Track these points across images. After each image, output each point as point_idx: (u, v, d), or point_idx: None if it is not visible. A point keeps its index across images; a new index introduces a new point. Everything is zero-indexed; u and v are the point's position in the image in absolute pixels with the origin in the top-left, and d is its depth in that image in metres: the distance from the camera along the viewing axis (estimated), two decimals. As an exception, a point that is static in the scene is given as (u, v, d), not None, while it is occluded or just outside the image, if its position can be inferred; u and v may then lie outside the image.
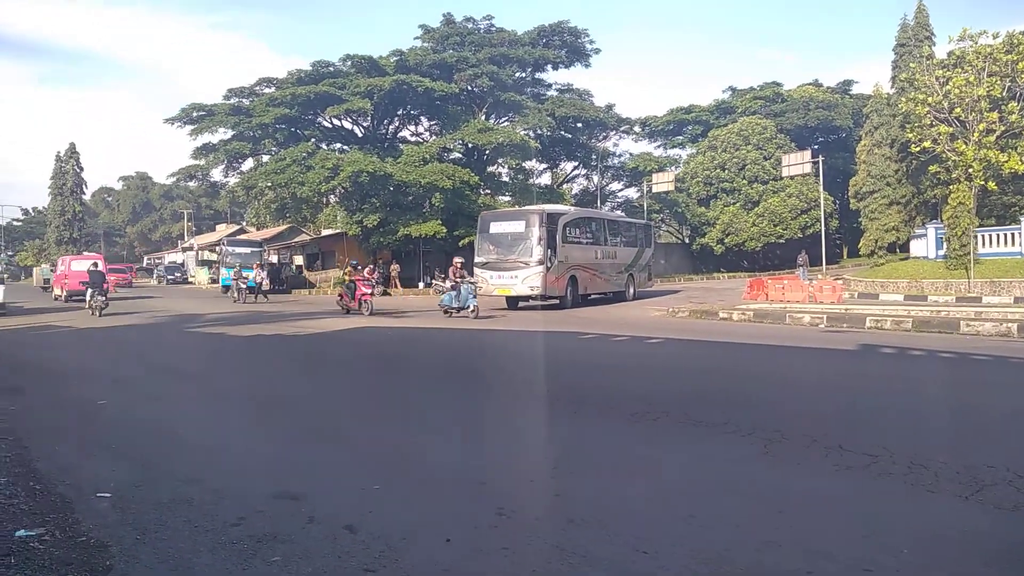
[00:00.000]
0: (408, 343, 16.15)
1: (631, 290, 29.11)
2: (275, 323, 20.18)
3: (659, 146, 64.55)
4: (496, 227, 25.02)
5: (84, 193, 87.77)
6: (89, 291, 23.12)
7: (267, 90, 46.30)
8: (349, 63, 45.09)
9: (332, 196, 48.73)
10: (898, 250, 44.77)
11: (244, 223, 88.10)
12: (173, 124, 46.06)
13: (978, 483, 4.95)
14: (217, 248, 51.83)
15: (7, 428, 7.25)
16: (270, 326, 19.24)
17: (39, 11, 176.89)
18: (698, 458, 5.99)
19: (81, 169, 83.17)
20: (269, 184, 44.40)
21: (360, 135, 48.10)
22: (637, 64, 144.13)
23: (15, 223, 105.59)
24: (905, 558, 3.82)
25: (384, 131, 49.01)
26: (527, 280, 23.78)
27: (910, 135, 33.09)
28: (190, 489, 5.15)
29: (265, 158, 46.61)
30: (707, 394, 9.02)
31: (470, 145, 44.79)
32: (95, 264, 25.26)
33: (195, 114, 45.68)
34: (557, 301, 24.66)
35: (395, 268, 40.69)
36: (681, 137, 64.44)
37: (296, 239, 60.04)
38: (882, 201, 44.96)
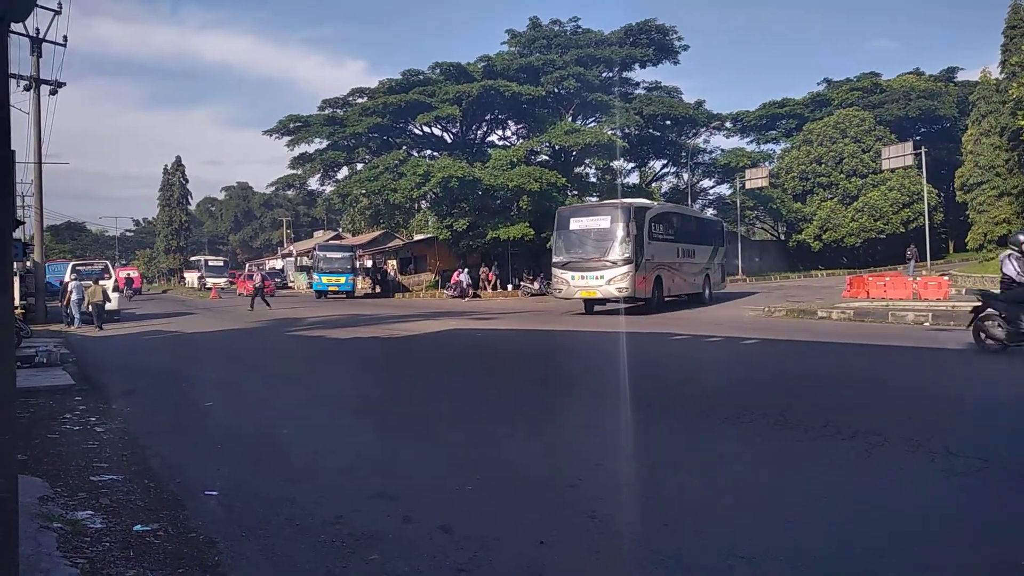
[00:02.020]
0: (499, 345, 16.29)
1: (707, 291, 27.60)
2: (372, 326, 20.69)
3: (751, 141, 63.06)
4: (577, 223, 23.09)
5: (190, 204, 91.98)
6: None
7: (360, 100, 47.55)
8: (438, 71, 45.82)
9: (423, 201, 49.60)
10: (1009, 244, 42.43)
11: (340, 229, 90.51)
12: (271, 136, 47.82)
13: None
14: (310, 254, 53.44)
15: (123, 428, 7.69)
16: (367, 329, 19.74)
17: (148, 33, 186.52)
18: (796, 462, 5.84)
19: (186, 181, 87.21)
20: (363, 191, 45.55)
21: (449, 141, 48.81)
22: (727, 59, 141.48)
23: (128, 233, 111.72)
24: (1018, 568, 3.65)
25: (472, 136, 49.56)
26: (615, 281, 22.01)
27: (1022, 122, 31.30)
28: (291, 488, 5.35)
29: (359, 166, 47.81)
30: (805, 396, 8.78)
31: (557, 147, 44.79)
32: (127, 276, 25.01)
33: (292, 125, 47.29)
34: (643, 303, 23.01)
35: (484, 271, 41.11)
36: (775, 132, 62.76)
37: (390, 244, 61.35)
38: (991, 193, 42.70)
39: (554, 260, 23.44)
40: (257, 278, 33.11)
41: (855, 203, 52.26)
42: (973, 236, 44.74)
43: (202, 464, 6.24)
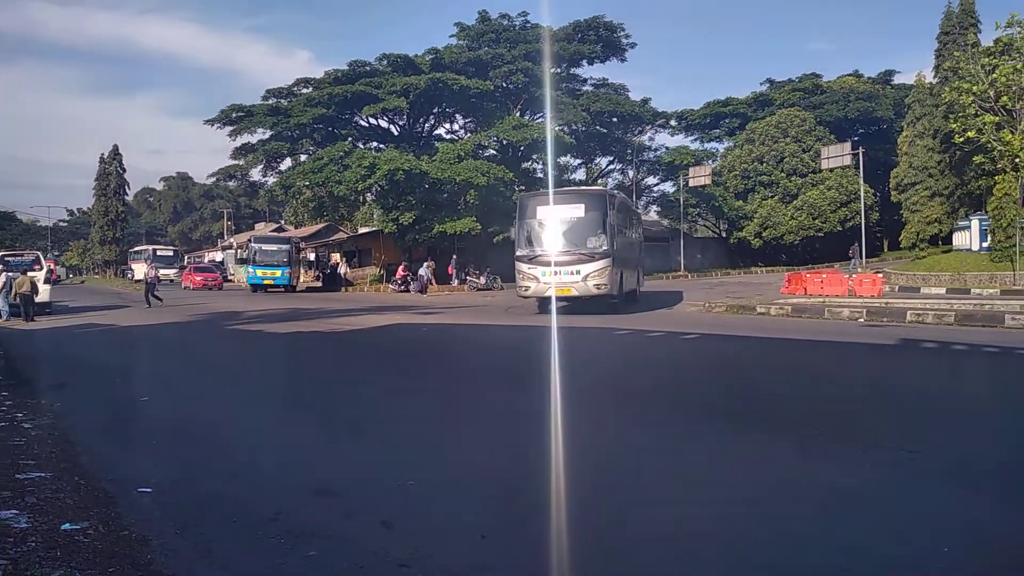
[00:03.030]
0: (444, 341, 16.25)
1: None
2: (314, 320, 20.42)
3: (696, 140, 63.95)
4: (546, 212, 20.39)
5: (127, 194, 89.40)
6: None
7: (305, 90, 46.85)
8: (385, 62, 45.39)
9: (368, 194, 49.09)
10: (940, 243, 43.86)
11: (282, 221, 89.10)
12: (213, 125, 46.80)
13: (1019, 483, 4.85)
14: (245, 245, 51.61)
15: (53, 424, 7.45)
16: (309, 323, 19.48)
17: (85, 18, 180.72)
18: (735, 454, 5.94)
19: (124, 170, 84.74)
20: (307, 183, 44.89)
21: (396, 133, 48.43)
22: (673, 58, 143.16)
23: (61, 224, 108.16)
24: (945, 556, 3.77)
25: (420, 129, 49.27)
26: (592, 277, 19.60)
27: (954, 125, 32.40)
28: (229, 485, 5.26)
29: (303, 157, 47.11)
30: (743, 390, 8.95)
31: (505, 142, 44.80)
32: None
33: (234, 115, 46.36)
34: (614, 300, 20.56)
35: (430, 265, 40.94)
36: (718, 130, 63.76)
37: (333, 237, 60.60)
38: (924, 193, 44.09)
39: (519, 253, 20.42)
40: (150, 271, 30.97)
41: (795, 201, 53.42)
42: (907, 235, 46.12)
43: (136, 461, 6.09)
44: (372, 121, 47.13)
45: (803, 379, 9.95)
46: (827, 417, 7.25)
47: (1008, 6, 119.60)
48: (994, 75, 29.91)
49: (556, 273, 19.67)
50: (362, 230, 57.20)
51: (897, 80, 61.62)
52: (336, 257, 53.12)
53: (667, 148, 55.56)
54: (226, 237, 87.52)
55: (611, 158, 55.99)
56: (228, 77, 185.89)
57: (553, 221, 20.29)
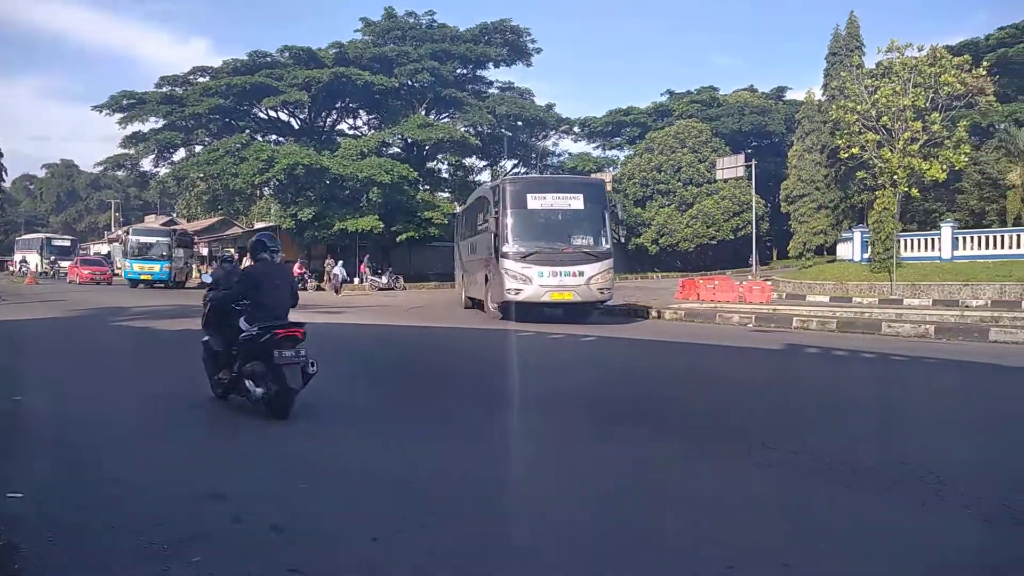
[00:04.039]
0: (343, 340, 15.95)
1: None
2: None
3: (598, 147, 65.12)
4: (538, 201, 18.09)
5: (4, 180, 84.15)
6: None
7: (201, 79, 45.21)
8: (287, 54, 44.38)
9: (266, 188, 47.83)
10: (825, 252, 46.05)
11: (174, 214, 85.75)
12: (102, 112, 44.54)
13: (892, 479, 5.11)
14: (121, 238, 48.24)
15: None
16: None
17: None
18: (629, 454, 6.05)
19: (0, 155, 79.74)
20: (201, 175, 43.42)
21: (297, 127, 47.38)
22: (578, 65, 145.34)
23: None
24: (823, 552, 3.92)
25: (322, 124, 48.37)
26: (596, 280, 17.66)
27: (839, 142, 34.15)
28: (111, 489, 5.00)
29: (198, 148, 45.57)
30: (637, 391, 9.13)
31: (409, 140, 44.52)
32: None
33: (125, 102, 44.24)
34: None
35: (329, 263, 40.19)
36: (619, 139, 65.09)
37: (228, 231, 58.77)
38: (811, 205, 46.18)
39: (505, 249, 17.61)
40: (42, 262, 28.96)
41: (690, 210, 55.03)
42: (794, 244, 48.18)
43: (7, 464, 5.70)
44: (272, 114, 45.96)
45: (694, 382, 10.24)
46: (715, 418, 7.49)
47: (890, 32, 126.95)
48: (876, 96, 31.67)
49: (555, 274, 17.46)
50: (258, 225, 55.77)
51: (789, 96, 64.40)
52: (234, 252, 51.47)
53: (570, 154, 56.37)
54: (114, 229, 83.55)
55: (516, 161, 56.35)
56: (120, 62, 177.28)
57: (548, 212, 18.16)
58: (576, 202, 18.19)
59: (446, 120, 46.99)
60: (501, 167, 58.32)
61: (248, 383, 7.22)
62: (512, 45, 48.47)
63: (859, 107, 32.08)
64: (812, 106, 46.16)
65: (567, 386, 9.61)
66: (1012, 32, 39.24)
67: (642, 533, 4.26)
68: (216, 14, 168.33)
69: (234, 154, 40.01)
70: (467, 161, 50.97)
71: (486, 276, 19.54)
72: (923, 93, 31.24)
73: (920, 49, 32.24)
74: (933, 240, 31.34)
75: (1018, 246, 29.03)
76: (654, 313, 20.57)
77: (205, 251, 56.51)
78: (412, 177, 40.31)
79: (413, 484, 5.22)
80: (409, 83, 45.48)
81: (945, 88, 30.87)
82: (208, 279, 9.38)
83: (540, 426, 7.17)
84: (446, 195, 48.29)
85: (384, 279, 39.03)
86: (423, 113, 45.70)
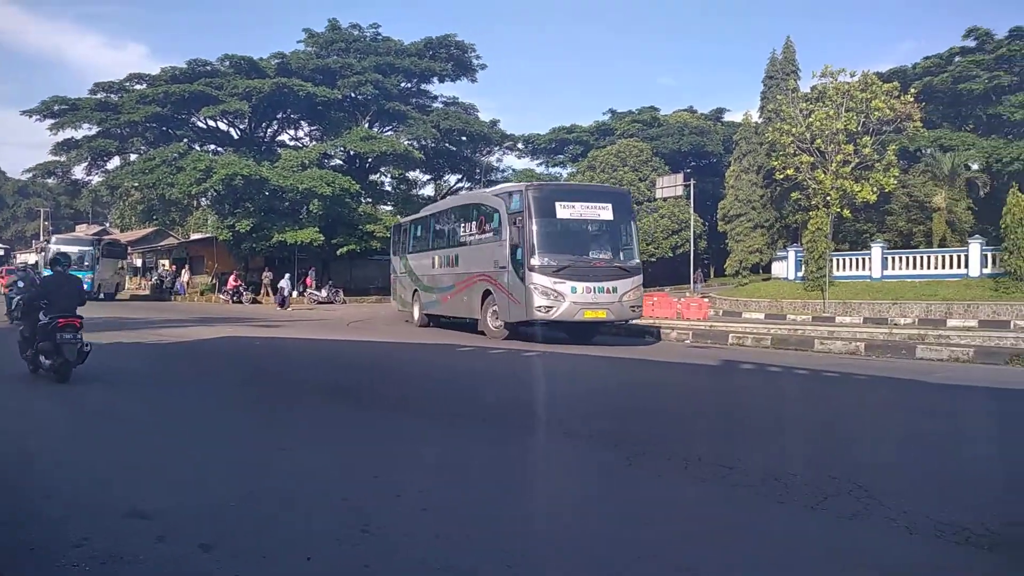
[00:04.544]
0: (277, 355, 15.65)
1: None
2: (137, 330, 19.10)
3: (541, 164, 65.55)
4: (567, 210, 16.64)
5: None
6: None
7: (138, 87, 44.01)
8: (228, 63, 43.59)
9: (203, 199, 46.81)
10: (761, 271, 47.09)
11: (108, 224, 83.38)
12: (32, 117, 43.02)
13: (823, 493, 5.19)
14: (40, 248, 46.57)
15: None
16: (131, 333, 18.19)
17: None
18: (572, 471, 6.04)
19: (-78, 159, 76.54)
20: (136, 184, 42.19)
21: (236, 137, 46.50)
22: (523, 82, 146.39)
23: None
24: (753, 565, 3.95)
25: (262, 134, 47.61)
26: (628, 297, 16.59)
27: (775, 163, 35.07)
28: (32, 508, 4.78)
29: (133, 157, 44.30)
30: (579, 407, 9.14)
31: (352, 152, 44.12)
32: None
33: (57, 108, 42.80)
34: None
35: (267, 276, 39.47)
36: (562, 156, 65.65)
37: (163, 242, 57.33)
38: (747, 224, 47.21)
39: (534, 262, 16.08)
40: None
41: (632, 227, 55.73)
42: (731, 263, 49.17)
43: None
44: (211, 123, 45.03)
45: (632, 398, 10.30)
46: (653, 434, 7.53)
47: (824, 57, 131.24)
48: (810, 119, 32.67)
49: (590, 291, 16.23)
50: (195, 236, 54.63)
51: (727, 118, 65.80)
52: (166, 263, 50.29)
53: (514, 170, 56.65)
54: (42, 238, 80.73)
55: (460, 176, 56.34)
56: (52, 67, 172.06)
57: (578, 223, 16.92)
58: (605, 212, 17.00)
59: (389, 133, 46.72)
60: (445, 181, 58.30)
61: (42, 357, 9.93)
62: (457, 60, 48.53)
63: (794, 130, 33.03)
64: (749, 128, 47.30)
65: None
66: (936, 62, 40.89)
67: (575, 546, 4.23)
68: (154, 20, 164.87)
69: (171, 163, 39.05)
70: (410, 174, 50.77)
71: (485, 292, 17.91)
72: (855, 117, 32.33)
73: (852, 75, 33.41)
74: (864, 260, 32.35)
75: (943, 266, 30.15)
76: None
77: (139, 262, 54.99)
78: (354, 190, 39.93)
79: (351, 500, 5.10)
80: (352, 95, 45.13)
81: (875, 113, 32.02)
82: (20, 284, 13.50)
83: (497, 441, 7.12)
84: (389, 208, 47.94)
85: (324, 292, 38.49)
86: (366, 126, 45.37)
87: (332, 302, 37.93)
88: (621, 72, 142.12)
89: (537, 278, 16.02)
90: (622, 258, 17.06)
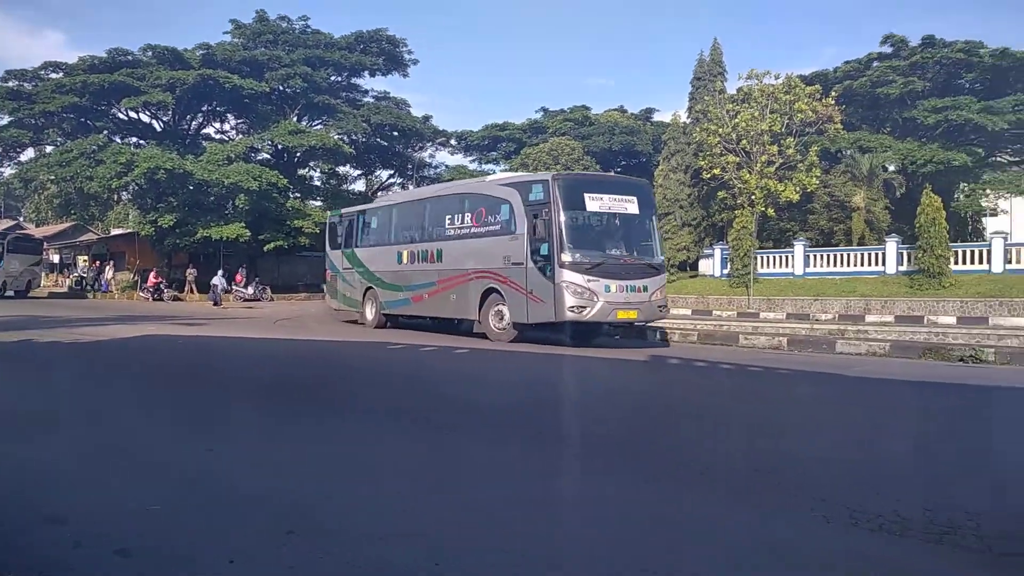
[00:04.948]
0: (202, 353, 15.23)
1: None
2: (53, 329, 18.34)
3: (474, 160, 65.40)
4: (597, 202, 15.78)
5: None
6: None
7: (54, 75, 42.35)
8: (150, 53, 42.33)
9: (124, 193, 45.36)
10: (689, 268, 47.99)
11: (21, 218, 79.93)
12: (-63, 105, 40.97)
13: (748, 486, 5.29)
14: None
15: None
16: (46, 332, 17.45)
17: None
18: (498, 461, 6.01)
19: None
20: (52, 177, 40.71)
21: (159, 130, 45.15)
22: (456, 78, 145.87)
23: None
24: (678, 554, 3.99)
25: (186, 127, 46.33)
26: (657, 295, 16.03)
27: (702, 163, 35.77)
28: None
29: (49, 149, 42.69)
30: (501, 403, 9.14)
31: (280, 146, 43.35)
32: None
33: (-36, 95, 40.93)
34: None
35: (191, 272, 38.42)
36: (495, 153, 65.61)
37: (82, 238, 55.24)
38: (675, 223, 48.00)
39: (565, 258, 15.11)
40: None
41: (563, 225, 56.10)
42: (660, 260, 49.91)
43: None
44: (132, 115, 43.63)
45: (564, 393, 10.35)
46: (583, 427, 7.56)
47: (751, 60, 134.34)
48: (736, 120, 33.41)
49: (622, 289, 15.44)
50: (115, 232, 52.88)
51: (656, 118, 66.75)
52: (85, 259, 48.49)
53: (447, 166, 56.53)
54: (-52, 233, 76.94)
55: (391, 171, 55.90)
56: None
57: (607, 216, 16.08)
58: (632, 205, 16.11)
59: (319, 127, 46.02)
60: (376, 176, 57.72)
61: None
62: (388, 55, 48.08)
63: (721, 130, 33.76)
64: (677, 128, 48.07)
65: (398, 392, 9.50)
66: (856, 66, 42.25)
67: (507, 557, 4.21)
68: (72, 7, 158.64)
69: (90, 156, 37.73)
70: (340, 169, 50.16)
71: (487, 291, 16.90)
72: (779, 119, 33.21)
73: (777, 77, 34.32)
74: (787, 257, 33.30)
75: (861, 264, 31.25)
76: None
77: (56, 258, 52.90)
78: (282, 184, 39.23)
79: (277, 500, 4.97)
80: (280, 88, 44.31)
81: (799, 115, 32.95)
82: None
83: (409, 435, 7.03)
84: (318, 203, 47.22)
85: (250, 290, 37.64)
86: (295, 119, 44.61)
87: (259, 299, 37.16)
88: (553, 71, 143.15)
89: (569, 275, 15.03)
90: (649, 254, 16.48)
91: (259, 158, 44.25)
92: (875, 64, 41.47)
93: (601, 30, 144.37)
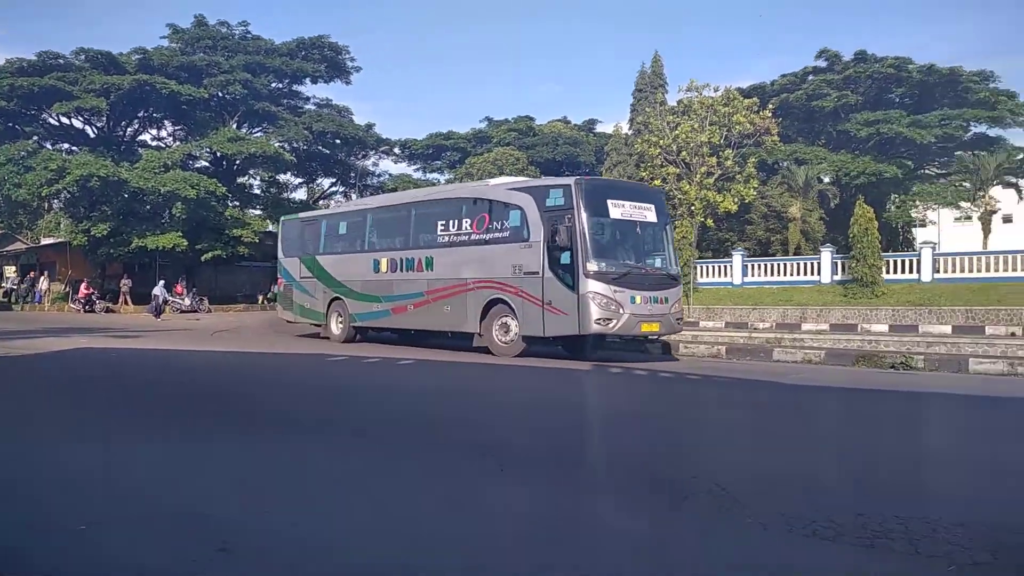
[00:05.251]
0: (134, 367, 14.81)
1: None
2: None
3: (418, 169, 65.17)
4: (618, 209, 15.11)
5: None
6: None
7: (-22, 78, 40.84)
8: (83, 57, 41.08)
9: (55, 201, 43.95)
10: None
11: (-56, 226, 76.73)
12: None
13: (685, 494, 5.32)
14: None
15: None
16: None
17: None
18: (422, 474, 5.94)
19: None
20: (-24, 184, 39.09)
21: (93, 136, 43.81)
22: (400, 87, 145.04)
23: None
24: (613, 563, 4.00)
25: (121, 133, 45.08)
26: (675, 307, 15.58)
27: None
28: None
29: (-27, 154, 41.03)
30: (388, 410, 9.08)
31: (219, 154, 42.49)
32: None
33: None
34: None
35: (125, 283, 37.36)
36: (440, 162, 65.53)
37: (9, 247, 53.25)
38: (618, 233, 48.54)
39: (591, 268, 14.35)
40: None
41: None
42: (603, 270, 50.32)
43: None
44: (64, 120, 42.27)
45: (467, 399, 10.32)
46: (511, 438, 7.54)
47: (690, 72, 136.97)
48: (676, 132, 34.00)
49: (647, 300, 14.79)
50: (45, 241, 51.20)
51: (599, 129, 67.50)
52: (12, 270, 46.78)
53: (391, 175, 56.19)
54: None
55: (334, 180, 55.36)
56: None
57: (628, 224, 15.40)
58: (650, 213, 15.56)
59: (259, 135, 45.30)
60: (318, 185, 57.11)
61: None
62: (330, 62, 47.63)
63: (661, 142, 34.32)
64: (620, 139, 48.68)
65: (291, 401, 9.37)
66: (792, 80, 43.43)
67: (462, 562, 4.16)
68: None
69: (18, 162, 36.41)
70: (281, 177, 49.47)
71: (491, 302, 16.02)
72: (718, 131, 33.92)
73: (716, 90, 35.08)
74: (726, 267, 33.90)
75: (797, 273, 31.99)
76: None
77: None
78: (220, 192, 38.43)
79: (211, 516, 4.82)
80: (220, 95, 43.49)
81: (737, 127, 33.71)
82: None
83: (347, 453, 6.92)
84: (258, 212, 46.45)
85: (187, 300, 36.75)
86: (234, 126, 43.82)
87: (196, 311, 36.29)
88: (498, 81, 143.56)
89: (595, 286, 14.25)
90: (668, 265, 16.04)
91: (197, 166, 43.32)
92: (810, 78, 42.69)
93: (545, 41, 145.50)
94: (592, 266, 14.26)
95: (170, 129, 46.46)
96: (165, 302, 34.03)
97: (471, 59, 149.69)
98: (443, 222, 17.54)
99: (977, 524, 4.51)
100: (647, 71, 46.58)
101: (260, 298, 41.51)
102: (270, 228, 47.21)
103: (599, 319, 14.23)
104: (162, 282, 34.59)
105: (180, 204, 36.65)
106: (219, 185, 38.28)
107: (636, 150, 39.32)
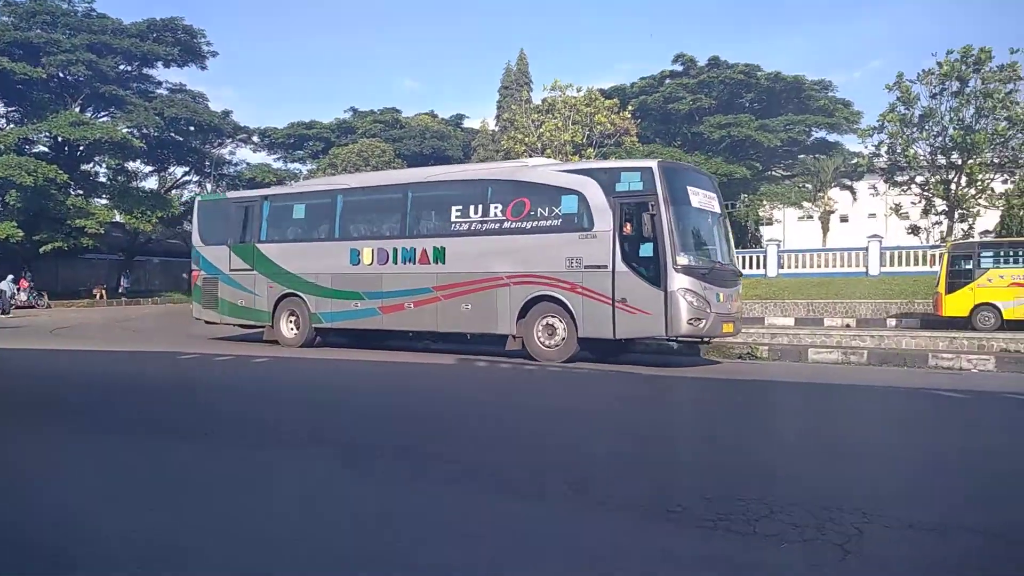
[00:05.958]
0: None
1: None
2: None
3: (279, 159, 63.28)
4: (697, 197, 13.65)
5: None
6: None
7: None
8: (-103, 29, 37.34)
9: None
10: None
11: None
12: None
13: (624, 497, 5.41)
14: None
15: None
16: None
17: None
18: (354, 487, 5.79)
19: None
20: None
21: (-89, 114, 40.01)
22: (262, 73, 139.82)
23: None
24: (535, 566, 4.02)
25: (-55, 114, 41.37)
26: (737, 304, 14.37)
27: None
28: None
29: None
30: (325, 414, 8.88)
31: (60, 139, 39.64)
32: None
33: None
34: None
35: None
36: (302, 152, 63.89)
37: None
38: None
39: (680, 262, 12.68)
40: None
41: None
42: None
43: None
44: None
45: (437, 401, 10.19)
46: (425, 440, 7.48)
47: (556, 71, 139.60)
48: (541, 129, 34.61)
49: (727, 298, 13.44)
50: None
51: (467, 124, 67.72)
52: None
53: (248, 164, 54.30)
54: None
55: (187, 168, 52.88)
56: None
57: (705, 214, 13.87)
58: (715, 203, 14.22)
59: (105, 119, 42.57)
60: (170, 174, 54.43)
61: None
62: (184, 45, 45.34)
63: (527, 139, 34.85)
64: (486, 135, 49.16)
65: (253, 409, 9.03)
66: (650, 82, 45.12)
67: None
68: None
69: None
70: (130, 165, 46.70)
71: (533, 300, 14.10)
72: (580, 130, 34.80)
73: (579, 90, 35.93)
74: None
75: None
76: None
77: None
78: (61, 180, 35.91)
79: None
80: (60, 75, 40.60)
81: (598, 127, 34.70)
82: None
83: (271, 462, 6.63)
84: (103, 202, 43.66)
85: (23, 295, 34.10)
86: (77, 110, 41.01)
87: (34, 307, 33.74)
88: (363, 70, 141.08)
89: (685, 281, 12.63)
90: (734, 259, 14.97)
91: (35, 151, 40.26)
92: (667, 81, 44.50)
93: (411, 33, 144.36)
94: (683, 259, 12.67)
95: (3, 110, 43.02)
96: (12, 297, 31.52)
97: (336, 47, 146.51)
98: (459, 207, 15.23)
99: (810, 503, 4.84)
100: (513, 69, 47.24)
101: (97, 293, 39.17)
102: (117, 218, 44.56)
103: (691, 319, 12.65)
104: (10, 277, 32.00)
105: (15, 192, 34.06)
106: (60, 172, 35.75)
107: (502, 146, 39.76)
